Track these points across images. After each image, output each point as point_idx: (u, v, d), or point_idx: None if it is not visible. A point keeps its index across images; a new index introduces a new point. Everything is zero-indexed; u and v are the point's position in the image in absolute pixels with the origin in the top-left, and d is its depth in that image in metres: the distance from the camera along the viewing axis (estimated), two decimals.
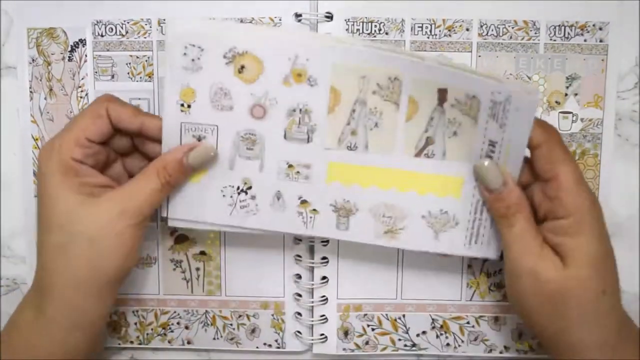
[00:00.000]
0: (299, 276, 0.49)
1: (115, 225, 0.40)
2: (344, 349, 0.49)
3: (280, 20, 0.47)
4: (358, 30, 0.47)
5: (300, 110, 0.42)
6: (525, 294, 0.40)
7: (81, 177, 0.41)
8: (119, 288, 0.42)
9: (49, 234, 0.40)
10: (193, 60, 0.41)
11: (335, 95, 0.41)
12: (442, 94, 0.41)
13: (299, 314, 0.49)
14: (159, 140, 0.42)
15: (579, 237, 0.39)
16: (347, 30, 0.46)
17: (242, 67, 0.41)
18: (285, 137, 0.42)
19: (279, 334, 0.50)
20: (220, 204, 0.44)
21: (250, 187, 0.43)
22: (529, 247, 0.39)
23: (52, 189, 0.40)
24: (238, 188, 0.43)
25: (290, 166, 0.43)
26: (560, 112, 0.47)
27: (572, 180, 0.39)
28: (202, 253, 0.49)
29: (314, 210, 0.44)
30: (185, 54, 0.41)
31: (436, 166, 0.42)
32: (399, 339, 0.49)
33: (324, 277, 0.49)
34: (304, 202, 0.43)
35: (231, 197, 0.43)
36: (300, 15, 0.46)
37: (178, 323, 0.50)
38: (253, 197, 0.43)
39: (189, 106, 0.42)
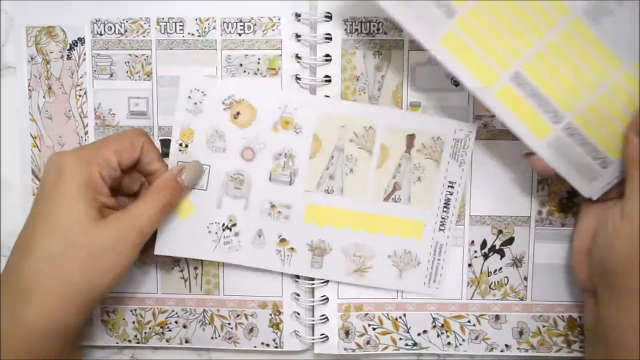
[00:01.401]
0: (297, 276, 0.49)
1: (118, 246, 0.40)
2: (345, 349, 0.49)
3: (279, 20, 0.47)
4: (357, 30, 0.47)
5: (286, 154, 0.46)
6: None
7: (98, 193, 0.41)
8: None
9: (48, 239, 0.39)
10: (196, 103, 0.45)
11: (317, 142, 0.46)
12: (410, 140, 0.46)
13: (298, 313, 0.49)
14: None
15: None
16: (345, 30, 0.47)
17: (238, 113, 0.45)
18: (270, 179, 0.46)
19: (276, 333, 0.49)
20: (205, 240, 0.46)
21: (234, 224, 0.46)
22: None
23: (67, 194, 0.40)
24: (223, 225, 0.46)
25: (272, 206, 0.46)
26: None
27: None
28: None
29: (292, 248, 0.47)
30: (189, 97, 0.45)
31: (401, 210, 0.46)
32: (400, 338, 0.49)
33: None
34: (282, 240, 0.47)
35: (216, 233, 0.46)
36: (300, 15, 0.47)
37: (176, 322, 0.49)
38: (237, 234, 0.46)
39: (186, 146, 0.46)
